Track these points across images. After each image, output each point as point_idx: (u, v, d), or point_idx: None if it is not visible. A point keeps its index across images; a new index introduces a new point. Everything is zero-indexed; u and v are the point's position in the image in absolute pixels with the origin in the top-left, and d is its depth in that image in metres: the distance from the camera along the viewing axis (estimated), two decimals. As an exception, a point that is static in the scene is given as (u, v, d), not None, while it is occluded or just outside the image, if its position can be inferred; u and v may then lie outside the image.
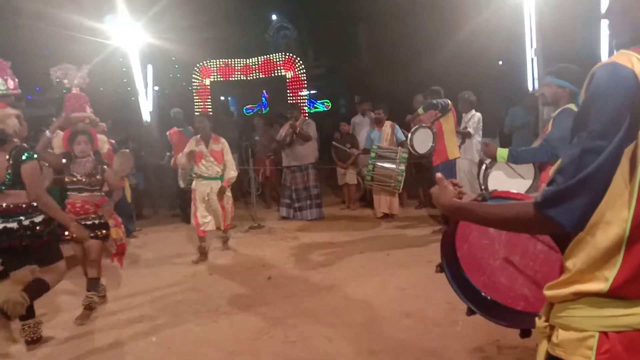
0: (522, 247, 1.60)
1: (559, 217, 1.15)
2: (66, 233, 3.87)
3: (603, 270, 1.16)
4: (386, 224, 7.48)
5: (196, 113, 12.13)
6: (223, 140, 6.13)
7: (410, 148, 6.58)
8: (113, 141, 7.57)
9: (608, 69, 1.13)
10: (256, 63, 13.20)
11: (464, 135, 6.84)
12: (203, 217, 6.04)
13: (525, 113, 7.82)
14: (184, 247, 6.70)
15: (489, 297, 1.62)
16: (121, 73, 12.32)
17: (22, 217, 3.46)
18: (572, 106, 3.22)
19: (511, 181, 3.45)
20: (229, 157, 6.13)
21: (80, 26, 9.17)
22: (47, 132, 4.63)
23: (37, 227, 3.50)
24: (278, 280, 5.13)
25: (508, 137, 8.25)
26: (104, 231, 4.32)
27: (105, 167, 4.46)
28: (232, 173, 6.16)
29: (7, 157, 3.44)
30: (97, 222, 4.29)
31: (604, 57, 3.88)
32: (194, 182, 6.15)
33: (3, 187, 3.45)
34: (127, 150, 7.24)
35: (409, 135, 6.60)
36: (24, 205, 3.49)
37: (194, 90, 13.16)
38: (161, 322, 4.21)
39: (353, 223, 7.70)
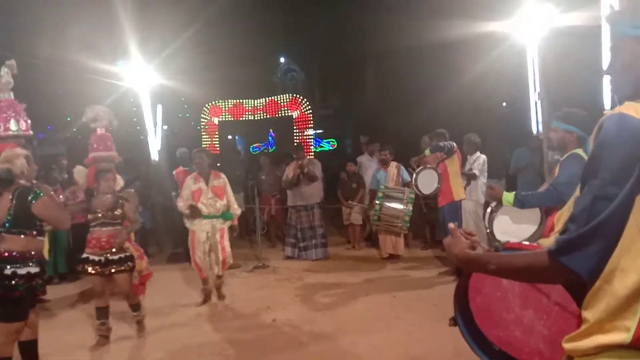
0: (535, 301, 1.59)
1: (573, 264, 1.16)
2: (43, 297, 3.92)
3: (623, 320, 1.14)
4: (392, 264, 7.42)
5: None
6: (223, 175, 5.91)
7: (414, 188, 6.60)
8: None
9: (615, 119, 1.16)
10: (263, 104, 13.44)
11: (469, 177, 6.87)
12: (203, 260, 5.70)
13: (529, 154, 7.86)
14: (188, 287, 6.65)
15: (503, 351, 1.59)
16: (131, 113, 12.56)
17: (7, 266, 3.33)
18: (580, 151, 3.21)
19: (517, 225, 3.40)
20: (231, 193, 5.91)
21: (93, 68, 9.44)
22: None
23: (15, 280, 3.32)
24: (283, 323, 5.06)
25: (514, 178, 8.28)
26: (129, 263, 4.58)
27: (124, 202, 4.67)
28: (238, 209, 5.97)
29: (11, 197, 3.37)
30: (123, 255, 4.56)
31: (607, 103, 3.95)
32: (191, 222, 5.76)
33: (2, 230, 3.37)
34: (132, 190, 7.28)
35: (414, 175, 6.64)
36: (15, 254, 3.37)
37: (202, 130, 13.37)
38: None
39: (358, 263, 7.64)
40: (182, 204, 5.76)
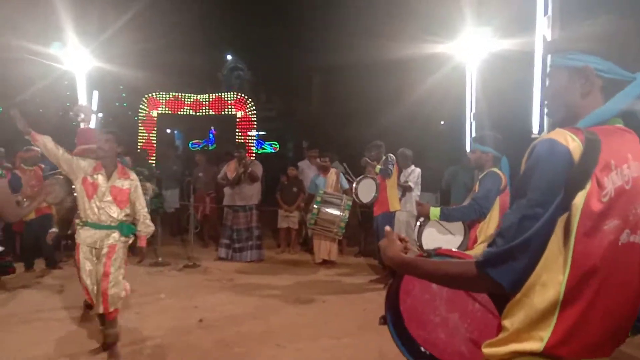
0: (461, 305, 1.66)
1: (498, 276, 1.23)
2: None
3: (539, 331, 1.22)
4: (325, 270, 7.47)
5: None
6: (134, 176, 4.22)
7: (354, 196, 6.79)
8: (43, 166, 7.22)
9: (546, 145, 1.24)
10: (207, 100, 13.19)
11: (405, 189, 7.11)
12: (91, 286, 4.06)
13: (462, 172, 8.21)
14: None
15: (427, 352, 1.65)
16: (65, 97, 11.91)
17: None
18: (496, 169, 3.58)
19: (443, 237, 3.67)
20: (142, 203, 4.22)
21: (27, 48, 8.87)
22: None
23: None
24: (210, 324, 4.95)
25: (447, 193, 8.61)
26: None
27: None
28: (149, 227, 4.23)
29: None
30: None
31: (535, 125, 4.24)
32: (77, 231, 4.14)
33: None
34: (62, 177, 6.91)
35: (354, 184, 6.80)
36: None
37: (139, 121, 12.90)
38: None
39: (291, 267, 7.64)
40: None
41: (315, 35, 14.78)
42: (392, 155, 6.81)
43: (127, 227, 4.11)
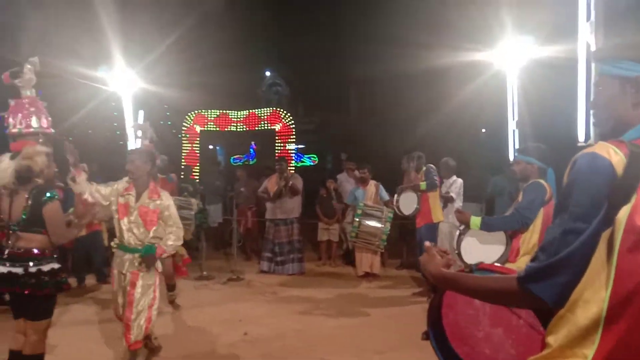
0: (505, 320, 1.64)
1: (539, 292, 1.21)
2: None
3: (582, 348, 1.19)
4: (367, 283, 7.43)
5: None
6: (167, 195, 4.14)
7: (395, 208, 6.75)
8: (94, 183, 7.54)
9: (588, 158, 1.22)
10: (244, 115, 13.46)
11: (447, 200, 7.01)
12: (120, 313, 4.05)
13: (506, 182, 8.01)
14: (161, 293, 6.55)
15: None
16: (112, 117, 12.42)
17: (29, 263, 3.25)
18: (541, 180, 3.52)
19: (483, 247, 3.60)
20: (175, 222, 4.09)
21: (75, 71, 9.34)
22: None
23: (42, 276, 3.26)
24: (254, 337, 5.01)
25: (491, 203, 8.42)
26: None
27: None
28: (172, 241, 4.05)
29: (27, 195, 3.29)
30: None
31: (580, 134, 4.11)
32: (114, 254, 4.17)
33: (16, 228, 3.30)
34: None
35: (395, 196, 6.77)
36: (35, 251, 3.30)
37: (183, 138, 13.29)
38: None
39: (333, 280, 7.64)
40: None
41: (352, 47, 14.88)
42: (432, 166, 6.75)
43: (147, 247, 3.95)
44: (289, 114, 13.59)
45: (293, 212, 7.98)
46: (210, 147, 15.68)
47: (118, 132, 12.46)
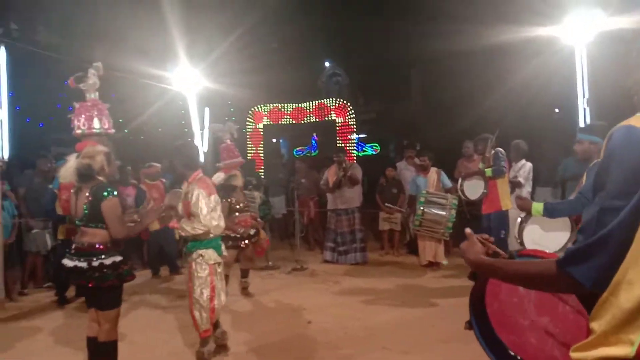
0: (551, 308, 1.58)
1: (578, 275, 1.15)
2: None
3: (628, 333, 1.11)
4: (431, 272, 7.32)
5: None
6: (193, 185, 4.08)
7: (460, 193, 6.56)
8: (164, 180, 7.97)
9: (623, 131, 1.15)
10: (309, 108, 13.57)
11: (515, 185, 6.71)
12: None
13: (577, 164, 7.56)
14: (230, 284, 6.81)
15: (518, 357, 1.58)
16: (180, 116, 12.99)
17: (93, 258, 3.43)
18: None
19: (547, 234, 3.41)
20: (197, 209, 3.98)
21: (144, 73, 9.85)
22: None
23: (105, 270, 3.42)
24: (318, 325, 5.09)
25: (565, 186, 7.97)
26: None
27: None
28: (195, 228, 3.98)
29: (88, 193, 3.46)
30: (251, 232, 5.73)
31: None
32: None
33: (80, 223, 3.53)
34: (179, 190, 7.55)
35: (460, 180, 6.57)
36: (98, 246, 3.46)
37: (247, 134, 13.65)
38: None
39: (397, 270, 7.59)
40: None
41: (411, 30, 14.46)
42: (501, 150, 6.44)
43: (191, 243, 4.10)
44: (350, 106, 13.56)
45: (354, 202, 8.00)
46: (274, 140, 15.98)
47: (186, 130, 13.00)
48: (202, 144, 10.36)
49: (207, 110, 11.59)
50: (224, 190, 5.51)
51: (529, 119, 11.85)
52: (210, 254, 4.10)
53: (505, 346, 1.59)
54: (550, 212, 3.37)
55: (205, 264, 4.08)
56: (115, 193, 3.49)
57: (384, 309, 5.64)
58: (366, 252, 8.10)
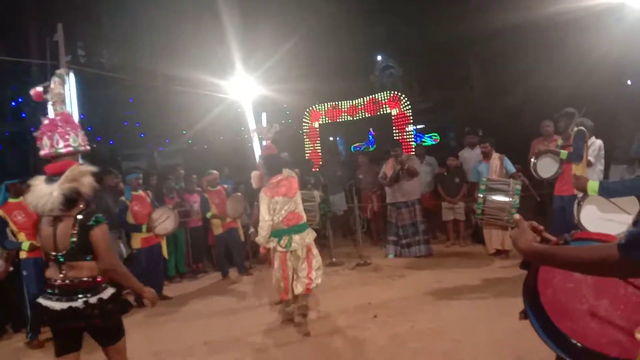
0: (611, 291, 1.49)
1: None
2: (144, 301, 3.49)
3: None
4: (499, 261, 7.07)
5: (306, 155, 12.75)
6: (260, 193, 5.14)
7: (532, 171, 6.28)
8: (225, 186, 8.24)
9: None
10: (362, 103, 13.53)
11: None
12: None
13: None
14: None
15: (579, 344, 1.50)
16: (239, 122, 13.37)
17: (88, 295, 2.97)
18: None
19: (608, 216, 3.11)
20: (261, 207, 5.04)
21: (203, 83, 10.24)
22: None
23: (106, 305, 3.01)
24: (384, 319, 5.08)
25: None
26: None
27: None
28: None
29: (74, 222, 2.98)
30: None
31: None
32: None
33: (62, 259, 2.98)
34: (239, 194, 7.80)
35: (532, 159, 6.30)
36: (87, 280, 3.00)
37: (304, 134, 13.82)
38: (272, 355, 4.44)
39: (463, 260, 7.40)
40: None
41: (464, 7, 13.88)
42: (583, 128, 5.93)
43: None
44: (404, 97, 13.36)
45: (413, 194, 7.88)
46: (330, 138, 16.06)
47: (246, 136, 13.37)
48: (260, 148, 10.60)
49: (264, 115, 11.86)
50: None
51: (600, 94, 11.12)
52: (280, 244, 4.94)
53: (564, 334, 1.52)
54: (607, 191, 3.06)
55: (278, 252, 4.97)
56: (103, 220, 3.07)
57: (451, 300, 5.52)
58: (430, 245, 7.96)
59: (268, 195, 4.88)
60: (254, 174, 5.49)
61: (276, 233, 4.92)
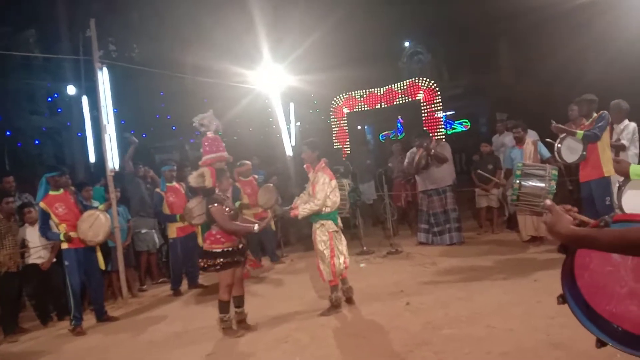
0: None
1: None
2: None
3: None
4: (534, 248, 6.96)
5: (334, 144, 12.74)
6: (319, 172, 5.21)
7: (556, 155, 6.16)
8: (257, 176, 8.33)
9: None
10: (383, 91, 13.38)
11: (618, 149, 6.15)
12: None
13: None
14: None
15: (619, 328, 1.49)
16: (267, 113, 13.46)
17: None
18: None
19: None
20: (317, 192, 5.11)
21: (232, 75, 10.34)
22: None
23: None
24: (416, 307, 5.07)
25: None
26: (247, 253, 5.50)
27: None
28: (306, 207, 5.11)
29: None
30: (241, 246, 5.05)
31: None
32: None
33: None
34: (271, 185, 7.87)
35: (556, 143, 6.17)
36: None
37: (332, 122, 13.80)
38: (305, 343, 4.48)
39: (496, 247, 7.30)
40: None
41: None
42: (606, 112, 5.93)
43: (313, 216, 5.19)
44: (431, 81, 13.13)
45: (444, 181, 7.80)
46: (359, 127, 16.00)
47: (274, 127, 13.44)
48: (289, 138, 10.68)
49: (291, 105, 11.92)
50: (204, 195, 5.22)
51: (633, 75, 10.74)
52: (329, 224, 5.17)
53: (604, 318, 1.51)
54: None
55: (326, 231, 5.14)
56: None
57: (485, 287, 5.47)
58: (461, 232, 7.88)
59: (329, 176, 5.18)
60: (306, 154, 5.30)
61: (334, 214, 5.21)
